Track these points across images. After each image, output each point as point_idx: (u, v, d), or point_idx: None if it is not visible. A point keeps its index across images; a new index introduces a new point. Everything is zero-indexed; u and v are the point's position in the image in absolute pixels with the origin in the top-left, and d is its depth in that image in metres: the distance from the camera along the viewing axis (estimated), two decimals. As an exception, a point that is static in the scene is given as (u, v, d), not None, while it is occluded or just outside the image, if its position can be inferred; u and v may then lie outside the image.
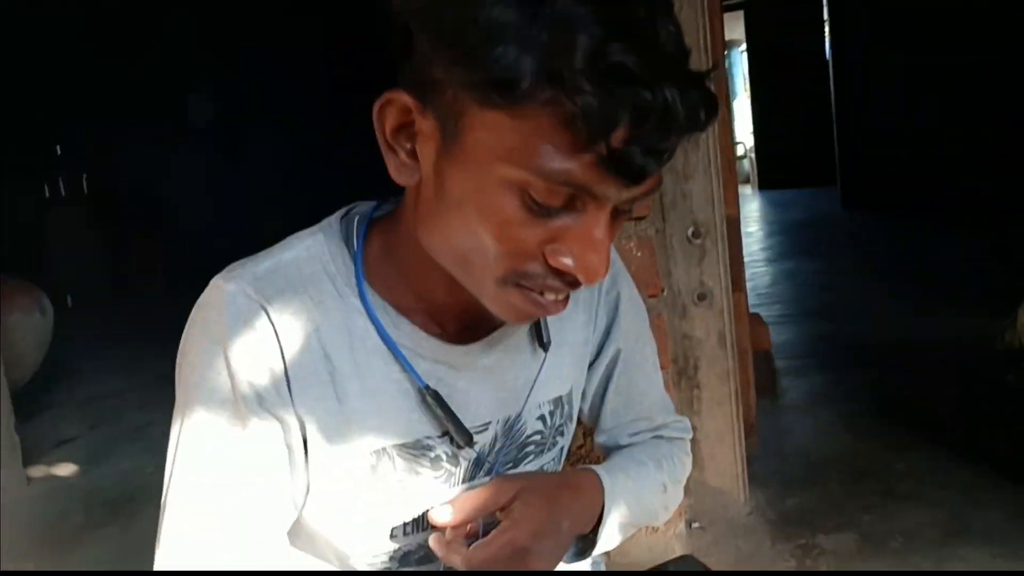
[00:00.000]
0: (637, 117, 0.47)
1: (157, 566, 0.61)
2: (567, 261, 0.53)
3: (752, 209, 7.97)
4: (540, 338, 0.70)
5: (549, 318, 0.70)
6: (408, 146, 0.56)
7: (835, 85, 6.30)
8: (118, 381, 3.56)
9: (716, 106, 0.50)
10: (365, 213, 0.66)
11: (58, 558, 1.88)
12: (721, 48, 1.62)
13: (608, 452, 0.80)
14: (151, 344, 4.19)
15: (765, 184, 9.10)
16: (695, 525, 1.51)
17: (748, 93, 9.32)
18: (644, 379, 0.79)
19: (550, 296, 0.57)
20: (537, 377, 0.69)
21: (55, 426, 2.93)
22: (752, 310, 3.11)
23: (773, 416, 2.04)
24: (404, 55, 0.54)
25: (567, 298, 0.58)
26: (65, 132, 5.81)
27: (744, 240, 5.88)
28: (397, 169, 0.57)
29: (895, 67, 5.96)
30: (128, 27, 5.77)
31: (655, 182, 0.53)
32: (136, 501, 2.11)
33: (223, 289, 0.60)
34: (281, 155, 6.07)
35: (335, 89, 5.94)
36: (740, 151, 10.83)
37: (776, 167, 8.91)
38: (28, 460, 2.45)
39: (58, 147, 5.81)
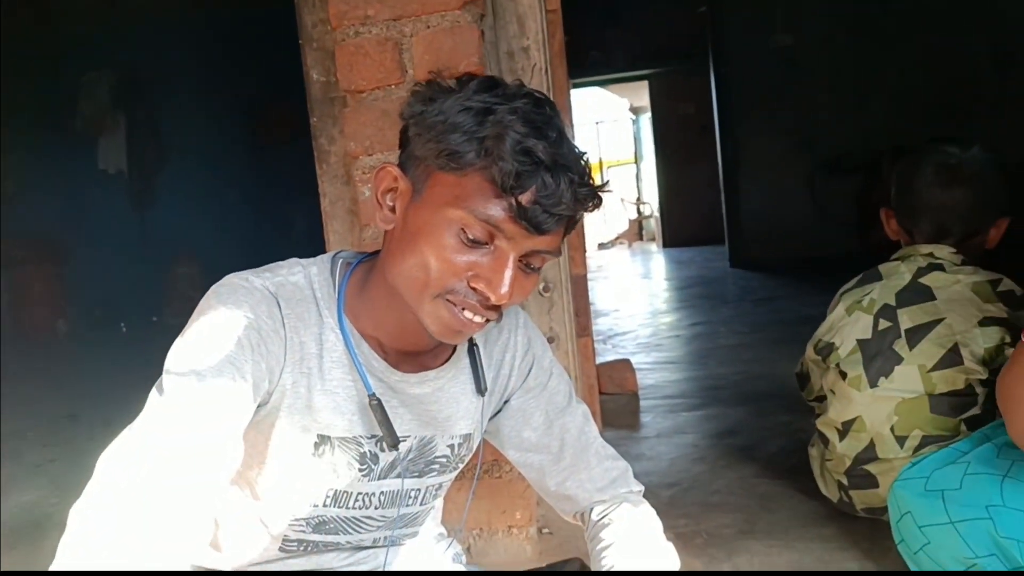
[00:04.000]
0: (540, 188, 0.73)
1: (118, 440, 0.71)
2: (481, 284, 0.76)
3: (655, 266, 8.48)
4: (479, 385, 0.92)
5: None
6: (391, 204, 0.81)
7: (721, 153, 6.87)
8: (18, 420, 3.58)
9: (599, 201, 0.78)
10: (351, 258, 0.89)
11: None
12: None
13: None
14: (51, 385, 4.22)
15: (669, 242, 9.56)
16: (545, 531, 1.79)
17: (654, 157, 9.90)
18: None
19: (468, 314, 0.78)
20: (456, 415, 0.91)
21: (-43, 463, 2.96)
22: (631, 356, 3.47)
23: (629, 446, 2.37)
24: (402, 145, 0.82)
25: (483, 324, 0.80)
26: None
27: (643, 295, 6.26)
28: (382, 219, 0.81)
29: (769, 136, 6.58)
30: (38, 64, 5.80)
31: (552, 244, 0.78)
32: (42, 527, 2.23)
33: (248, 280, 0.79)
34: (192, 204, 6.12)
35: (251, 142, 6.12)
36: (647, 211, 11.50)
37: (678, 226, 9.42)
38: (-66, 493, 2.52)
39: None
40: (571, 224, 0.81)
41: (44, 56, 5.74)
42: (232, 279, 0.79)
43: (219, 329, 0.74)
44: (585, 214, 0.82)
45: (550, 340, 1.76)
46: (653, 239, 10.85)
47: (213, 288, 0.79)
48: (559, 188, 0.73)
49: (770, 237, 6.57)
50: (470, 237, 0.75)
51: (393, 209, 0.81)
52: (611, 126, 12.54)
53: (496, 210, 0.74)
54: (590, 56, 7.48)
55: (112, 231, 6.07)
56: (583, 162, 0.78)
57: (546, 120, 0.75)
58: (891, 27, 6.07)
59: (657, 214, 10.25)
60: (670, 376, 3.29)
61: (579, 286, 1.87)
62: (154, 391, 0.73)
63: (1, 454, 3.08)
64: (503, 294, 0.76)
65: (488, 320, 0.80)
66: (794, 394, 2.07)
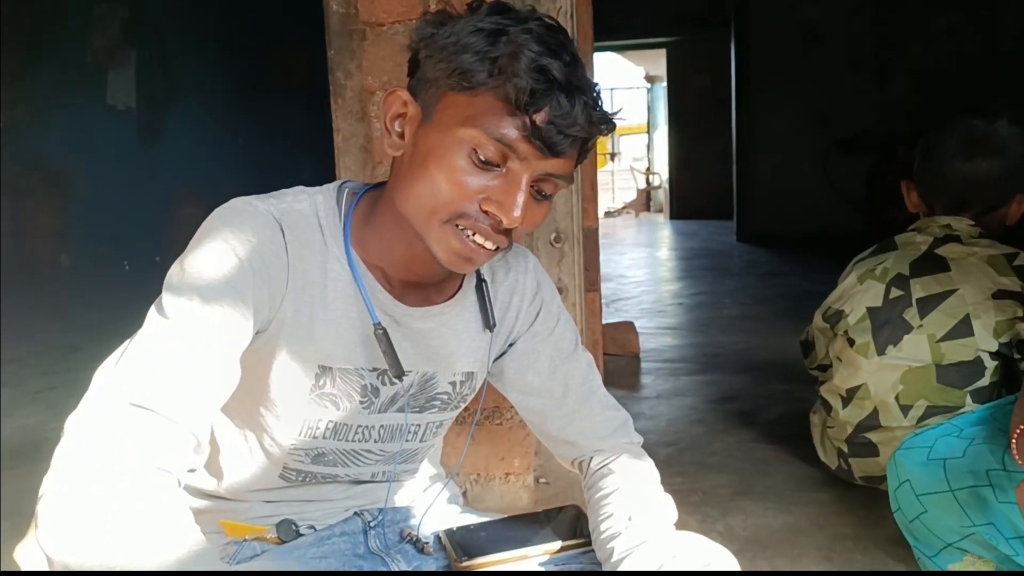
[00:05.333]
0: (554, 108, 0.71)
1: (111, 360, 0.71)
2: (493, 207, 0.74)
3: (662, 236, 8.45)
4: (487, 320, 0.90)
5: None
6: (399, 129, 0.79)
7: (736, 126, 6.79)
8: (20, 348, 3.60)
9: (612, 125, 0.77)
10: (357, 188, 0.86)
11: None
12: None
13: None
14: (53, 317, 4.23)
15: (676, 214, 9.49)
16: (541, 480, 1.80)
17: (667, 127, 9.79)
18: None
19: (480, 239, 0.76)
20: (458, 352, 0.89)
21: (-42, 386, 2.98)
22: (634, 320, 3.47)
23: (628, 405, 2.35)
24: (412, 71, 0.80)
25: (493, 251, 0.78)
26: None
27: (648, 263, 6.26)
28: (390, 145, 0.79)
29: (785, 110, 6.49)
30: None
31: (565, 168, 0.76)
32: (41, 450, 2.23)
33: (252, 204, 0.77)
34: (200, 144, 6.06)
35: (263, 82, 6.04)
36: (656, 182, 11.42)
37: (687, 199, 9.35)
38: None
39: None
40: (584, 151, 0.79)
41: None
42: (236, 202, 0.78)
43: (221, 251, 0.73)
44: (598, 165, 0.80)
45: (559, 290, 1.75)
46: (660, 210, 10.78)
47: (217, 210, 0.77)
48: (574, 109, 0.72)
49: (779, 212, 6.53)
50: (482, 158, 0.74)
51: (402, 135, 0.79)
52: (625, 94, 12.38)
53: (509, 129, 0.72)
54: (609, 19, 7.35)
55: (119, 168, 6.01)
56: (596, 89, 0.77)
57: (560, 43, 0.74)
58: (916, 4, 5.95)
59: (666, 185, 10.18)
60: (671, 341, 3.29)
61: (591, 239, 1.85)
62: (153, 309, 0.72)
63: (2, 379, 3.10)
64: (515, 217, 0.74)
65: (498, 248, 0.78)
66: (795, 364, 2.07)
